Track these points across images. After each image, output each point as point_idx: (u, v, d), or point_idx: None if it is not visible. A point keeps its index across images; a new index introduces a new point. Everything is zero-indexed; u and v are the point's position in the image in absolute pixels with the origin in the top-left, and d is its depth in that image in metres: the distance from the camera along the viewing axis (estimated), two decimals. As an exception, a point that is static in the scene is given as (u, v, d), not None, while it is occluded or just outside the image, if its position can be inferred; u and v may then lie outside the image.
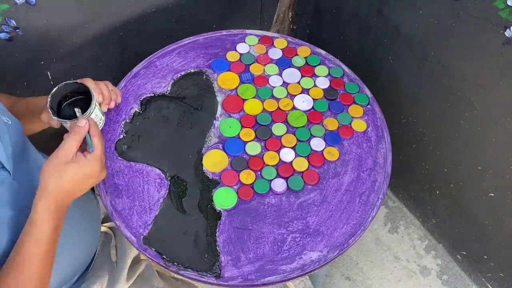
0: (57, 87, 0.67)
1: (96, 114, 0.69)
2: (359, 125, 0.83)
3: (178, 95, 0.85)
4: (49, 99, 0.65)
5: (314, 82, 0.88)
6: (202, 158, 0.77)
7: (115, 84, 0.88)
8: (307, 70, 0.90)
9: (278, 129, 0.81)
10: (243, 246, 0.69)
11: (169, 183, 0.74)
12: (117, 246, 0.85)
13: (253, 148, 0.78)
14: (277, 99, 0.85)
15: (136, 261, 0.88)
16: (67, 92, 0.69)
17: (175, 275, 0.90)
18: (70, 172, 0.59)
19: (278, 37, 0.96)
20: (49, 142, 0.76)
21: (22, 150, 0.67)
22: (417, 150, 1.20)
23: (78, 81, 0.69)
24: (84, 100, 0.68)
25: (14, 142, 0.63)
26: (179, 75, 0.89)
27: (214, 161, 0.77)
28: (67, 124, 0.66)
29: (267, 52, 0.93)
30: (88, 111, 0.66)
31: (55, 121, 0.68)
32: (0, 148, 0.60)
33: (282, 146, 0.79)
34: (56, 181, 0.58)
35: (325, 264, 0.68)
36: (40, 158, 0.73)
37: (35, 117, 0.72)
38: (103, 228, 0.88)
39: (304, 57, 0.92)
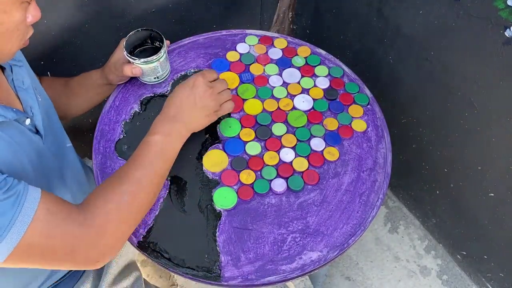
0: (128, 35, 0.79)
1: (166, 57, 0.81)
2: (359, 125, 0.83)
3: (178, 95, 0.85)
4: (124, 48, 0.77)
5: (314, 82, 0.88)
6: (202, 158, 0.77)
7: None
8: (307, 70, 0.90)
9: (278, 129, 0.81)
10: (243, 246, 0.69)
11: (169, 183, 0.74)
12: None
13: (253, 148, 0.78)
14: (277, 99, 0.85)
15: (129, 267, 0.88)
16: (136, 41, 0.82)
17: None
18: (178, 87, 0.72)
19: (278, 37, 0.96)
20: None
21: (52, 127, 0.74)
22: (417, 150, 1.20)
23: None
24: (151, 49, 0.83)
25: (44, 117, 0.69)
26: (179, 75, 0.89)
27: (214, 161, 0.77)
28: (148, 64, 0.78)
29: (267, 52, 0.93)
30: (162, 50, 0.78)
31: (130, 71, 0.79)
32: (37, 113, 0.67)
33: (282, 146, 0.79)
34: (169, 99, 0.71)
35: (325, 264, 0.68)
36: (66, 137, 0.80)
37: (91, 89, 0.86)
38: None
39: (304, 57, 0.92)
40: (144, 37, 0.83)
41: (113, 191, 0.61)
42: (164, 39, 0.80)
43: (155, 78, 0.84)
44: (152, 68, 0.80)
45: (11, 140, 0.59)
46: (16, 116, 0.60)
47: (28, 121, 0.64)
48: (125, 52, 0.78)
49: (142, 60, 0.77)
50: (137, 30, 0.81)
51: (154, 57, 0.78)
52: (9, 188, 0.52)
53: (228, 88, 0.76)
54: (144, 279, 0.94)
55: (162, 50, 0.79)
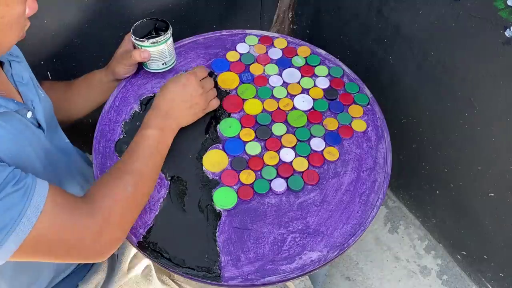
0: (134, 25, 0.81)
1: (172, 42, 0.83)
2: (359, 125, 0.82)
3: (178, 95, 0.85)
4: (131, 34, 0.79)
5: (314, 82, 0.88)
6: (202, 158, 0.77)
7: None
8: (307, 70, 0.90)
9: (278, 129, 0.81)
10: (243, 246, 0.69)
11: (169, 183, 0.74)
12: None
13: (253, 148, 0.78)
14: (277, 99, 0.85)
15: (140, 256, 0.88)
16: (141, 32, 0.83)
17: (174, 279, 0.90)
18: (170, 83, 0.74)
19: (278, 37, 0.96)
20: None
21: (51, 123, 0.74)
22: (417, 150, 1.20)
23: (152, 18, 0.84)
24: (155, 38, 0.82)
25: (45, 112, 0.70)
26: (179, 75, 0.88)
27: (214, 161, 0.77)
28: (156, 46, 0.79)
29: (267, 52, 0.93)
30: (169, 32, 0.80)
31: (139, 55, 0.80)
32: (39, 108, 0.67)
33: (282, 146, 0.79)
34: (161, 94, 0.73)
35: (325, 264, 0.68)
36: (63, 134, 0.80)
37: (94, 88, 0.87)
38: None
39: (304, 57, 0.92)
40: (149, 28, 0.84)
41: (116, 182, 0.62)
42: (170, 25, 0.81)
43: (163, 64, 0.84)
44: (160, 51, 0.81)
45: (15, 132, 0.60)
46: (18, 107, 0.60)
47: (29, 114, 0.64)
48: (133, 37, 0.79)
49: (151, 41, 0.78)
50: (142, 20, 0.82)
51: (162, 37, 0.79)
52: (18, 181, 0.52)
53: (214, 87, 0.81)
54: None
55: (169, 32, 0.80)
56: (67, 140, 0.80)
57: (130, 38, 0.81)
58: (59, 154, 0.74)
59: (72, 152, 0.82)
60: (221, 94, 0.86)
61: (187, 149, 0.78)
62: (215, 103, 0.80)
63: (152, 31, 0.84)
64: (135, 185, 0.63)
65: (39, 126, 0.68)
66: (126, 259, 0.83)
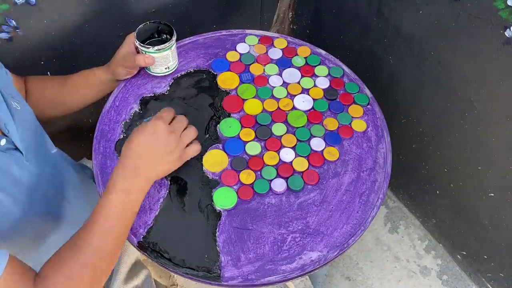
0: (138, 28, 0.80)
1: (175, 46, 0.83)
2: (359, 125, 0.83)
3: (178, 95, 0.85)
4: (135, 38, 0.78)
5: (314, 82, 0.88)
6: (202, 158, 0.77)
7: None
8: (307, 70, 0.90)
9: (278, 129, 0.81)
10: (243, 246, 0.69)
11: (169, 183, 0.74)
12: None
13: (253, 148, 0.78)
14: (277, 99, 0.85)
15: (137, 265, 0.88)
16: (144, 35, 0.82)
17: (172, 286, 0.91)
18: (135, 134, 0.64)
19: (278, 37, 0.96)
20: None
21: (33, 135, 0.69)
22: (417, 150, 1.20)
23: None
24: (157, 41, 0.82)
25: (24, 127, 0.66)
26: (179, 74, 0.89)
27: (214, 161, 0.77)
28: (161, 52, 0.79)
29: (267, 52, 0.93)
30: (173, 38, 0.80)
31: (143, 60, 0.79)
32: (13, 130, 0.63)
33: (282, 146, 0.79)
34: (126, 146, 0.64)
35: (325, 264, 0.68)
36: (50, 143, 0.76)
37: (93, 86, 0.84)
38: None
39: (304, 57, 0.92)
40: (151, 31, 0.85)
41: (71, 264, 0.56)
42: (174, 30, 0.81)
43: (166, 68, 0.84)
44: (164, 57, 0.81)
45: None
46: None
47: (3, 142, 0.60)
48: (137, 43, 0.79)
49: (156, 48, 0.79)
50: (145, 23, 0.82)
51: (167, 44, 0.79)
52: None
53: (191, 125, 0.70)
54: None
55: (174, 38, 0.80)
56: (55, 150, 0.77)
57: (132, 39, 0.80)
58: (46, 171, 0.70)
59: (61, 164, 0.78)
60: (221, 94, 0.86)
61: (187, 149, 0.78)
62: (194, 149, 0.69)
63: (155, 33, 0.85)
64: (93, 265, 0.57)
65: (16, 148, 0.63)
66: (123, 269, 0.83)
